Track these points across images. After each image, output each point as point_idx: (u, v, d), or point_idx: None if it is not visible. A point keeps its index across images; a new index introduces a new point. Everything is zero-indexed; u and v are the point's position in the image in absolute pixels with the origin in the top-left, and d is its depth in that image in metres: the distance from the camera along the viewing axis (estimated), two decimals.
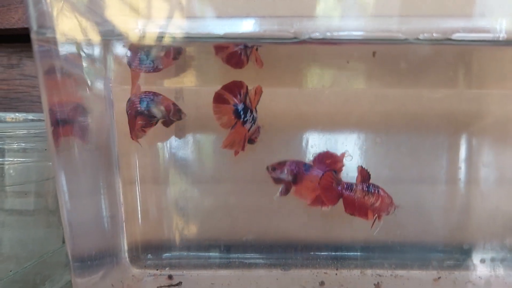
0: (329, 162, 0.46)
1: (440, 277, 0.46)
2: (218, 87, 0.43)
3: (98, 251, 0.44)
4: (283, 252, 0.50)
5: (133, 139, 0.46)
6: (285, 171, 0.46)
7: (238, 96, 0.43)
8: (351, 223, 0.51)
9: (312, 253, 0.50)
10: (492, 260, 0.49)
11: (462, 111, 0.50)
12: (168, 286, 0.44)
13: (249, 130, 0.45)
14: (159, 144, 0.50)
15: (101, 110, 0.46)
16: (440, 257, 0.50)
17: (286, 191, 0.47)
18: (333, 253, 0.50)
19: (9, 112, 0.72)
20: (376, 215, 0.46)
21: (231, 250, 0.51)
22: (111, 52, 0.45)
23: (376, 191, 0.46)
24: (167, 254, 0.50)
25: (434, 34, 0.37)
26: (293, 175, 0.46)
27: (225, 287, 0.45)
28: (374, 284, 0.44)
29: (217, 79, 0.49)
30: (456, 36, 0.37)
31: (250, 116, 0.44)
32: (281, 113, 0.50)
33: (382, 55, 0.46)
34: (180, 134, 0.50)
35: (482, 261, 0.49)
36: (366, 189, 0.46)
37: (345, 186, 0.46)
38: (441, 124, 0.50)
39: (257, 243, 0.51)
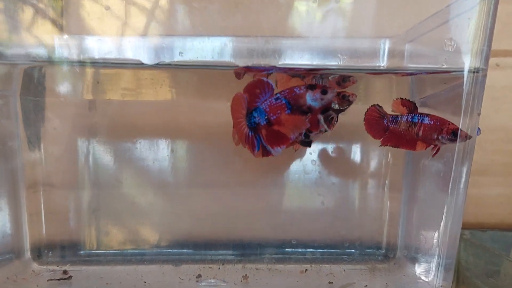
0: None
1: (306, 270, 0.52)
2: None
3: None
4: (173, 248, 0.56)
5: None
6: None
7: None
8: (236, 223, 0.57)
9: (200, 251, 0.56)
10: (353, 254, 0.56)
11: None
12: (58, 279, 0.48)
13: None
14: (65, 151, 0.55)
15: (4, 119, 0.51)
16: (313, 252, 0.56)
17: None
18: (218, 251, 0.55)
19: None
20: (433, 145, 0.45)
21: (126, 247, 0.56)
22: (18, 69, 0.50)
23: (421, 121, 0.45)
24: (67, 252, 0.55)
25: None
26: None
27: (112, 280, 0.49)
28: (242, 276, 0.49)
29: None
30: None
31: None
32: None
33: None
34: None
35: (344, 254, 0.56)
36: (411, 119, 0.45)
37: (390, 119, 0.46)
38: None
39: (152, 241, 0.56)
